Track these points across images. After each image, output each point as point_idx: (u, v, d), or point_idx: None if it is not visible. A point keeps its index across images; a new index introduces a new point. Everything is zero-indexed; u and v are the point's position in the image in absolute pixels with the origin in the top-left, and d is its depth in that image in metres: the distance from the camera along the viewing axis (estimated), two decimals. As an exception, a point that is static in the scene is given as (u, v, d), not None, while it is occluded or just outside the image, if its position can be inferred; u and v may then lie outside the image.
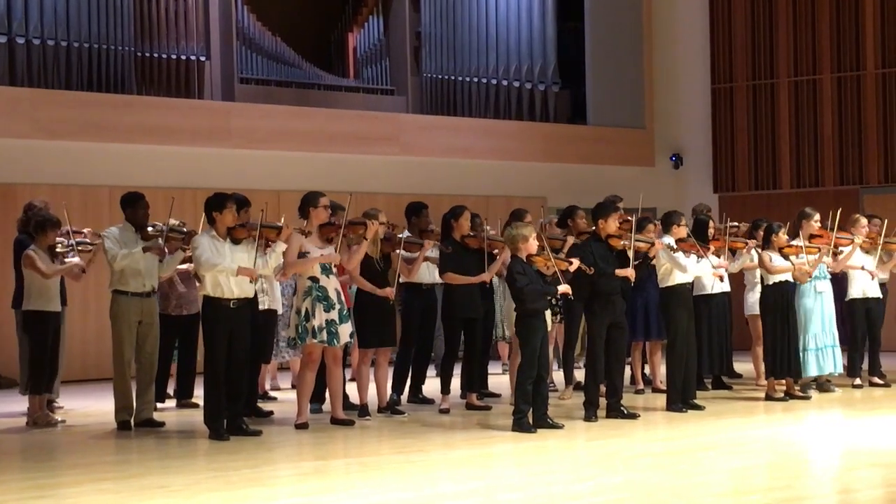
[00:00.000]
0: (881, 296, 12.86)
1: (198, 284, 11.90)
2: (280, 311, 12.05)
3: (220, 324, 9.84)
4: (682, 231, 11.25)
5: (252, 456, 9.10)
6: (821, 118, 18.26)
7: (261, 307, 11.17)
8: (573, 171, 18.21)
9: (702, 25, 19.17)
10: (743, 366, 13.76)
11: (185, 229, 11.01)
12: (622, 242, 10.60)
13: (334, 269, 10.37)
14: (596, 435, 9.97)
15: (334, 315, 10.23)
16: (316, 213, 10.34)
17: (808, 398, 11.83)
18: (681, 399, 11.05)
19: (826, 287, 12.17)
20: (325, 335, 10.20)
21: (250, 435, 9.89)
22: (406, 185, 16.52)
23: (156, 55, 16.00)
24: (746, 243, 12.18)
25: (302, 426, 10.29)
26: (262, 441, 9.80)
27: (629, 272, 10.54)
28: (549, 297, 10.25)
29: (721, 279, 11.80)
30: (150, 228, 10.69)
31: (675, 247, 11.03)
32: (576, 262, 10.28)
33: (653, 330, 12.36)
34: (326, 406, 10.91)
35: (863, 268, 12.64)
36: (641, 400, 12.01)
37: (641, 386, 12.63)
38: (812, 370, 12.05)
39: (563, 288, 10.08)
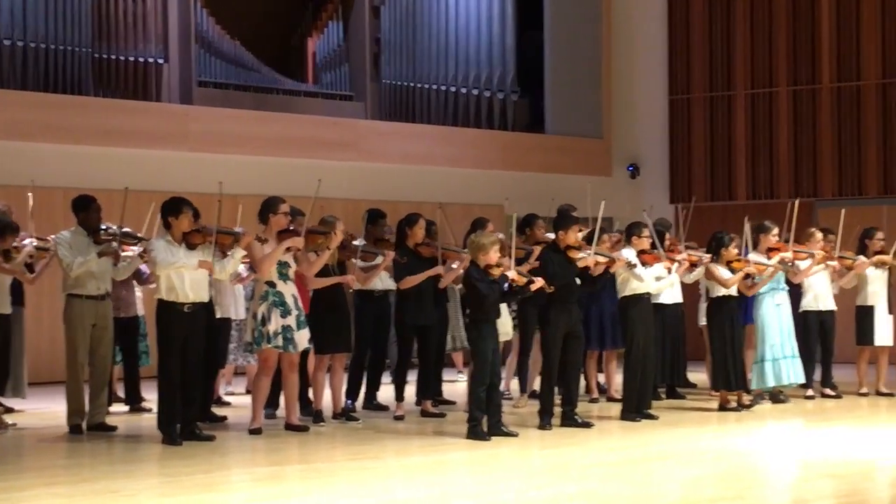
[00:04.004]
0: (834, 308, 12.98)
1: (140, 289, 11.84)
2: (239, 317, 11.99)
3: (174, 328, 9.79)
4: (644, 242, 11.30)
5: (205, 461, 9.06)
6: (776, 131, 18.41)
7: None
8: (531, 179, 18.25)
9: (660, 37, 19.28)
10: (698, 376, 13.83)
11: (138, 234, 10.93)
12: (580, 255, 10.64)
13: (292, 276, 10.34)
14: (550, 443, 10.00)
15: (291, 321, 10.21)
16: (276, 220, 10.31)
17: (755, 404, 11.91)
18: (635, 408, 11.10)
19: (784, 299, 12.26)
20: (280, 340, 10.17)
21: (204, 440, 9.84)
22: (364, 192, 16.51)
23: (113, 57, 15.89)
24: (701, 257, 12.24)
25: (256, 431, 10.25)
26: (215, 446, 9.76)
27: (589, 261, 10.57)
28: (500, 305, 10.23)
29: (669, 271, 11.79)
30: (101, 232, 10.59)
31: (634, 262, 11.07)
32: (539, 282, 10.23)
33: (607, 339, 12.42)
34: (281, 412, 10.87)
35: (826, 265, 12.70)
36: (596, 409, 12.05)
37: (596, 395, 12.68)
38: (770, 381, 12.14)
39: (512, 274, 10.04)
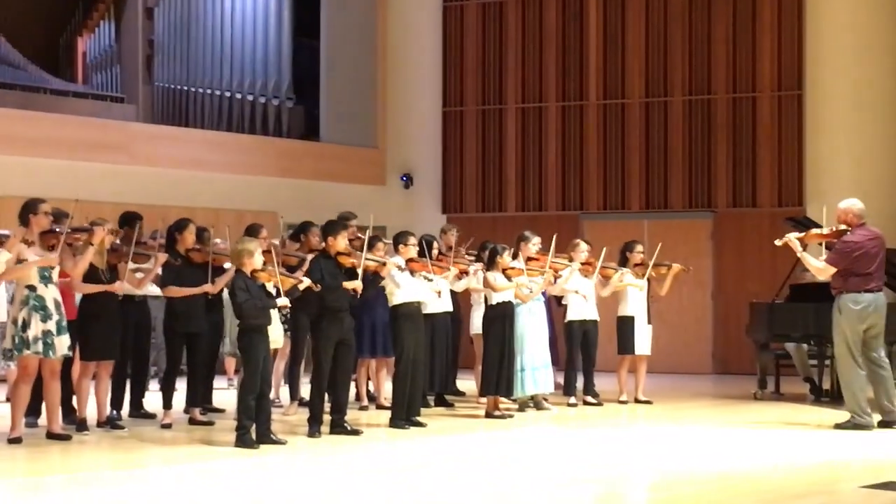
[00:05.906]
0: (597, 318, 13.40)
1: None
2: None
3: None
4: (410, 251, 11.45)
5: (-39, 471, 8.76)
6: (546, 145, 18.91)
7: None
8: (306, 186, 18.27)
9: (434, 49, 19.57)
10: (466, 384, 14.07)
11: None
12: (351, 260, 10.72)
13: (54, 279, 10.09)
14: (319, 451, 10.02)
15: (51, 326, 9.96)
16: (36, 220, 10.04)
17: (512, 414, 12.18)
18: (404, 416, 11.23)
19: (540, 309, 12.62)
20: (40, 346, 9.91)
21: (-40, 450, 9.52)
22: (134, 195, 16.20)
23: None
24: (470, 266, 12.48)
25: (15, 440, 9.96)
26: (-28, 456, 9.45)
27: (356, 284, 10.66)
28: (269, 311, 10.25)
29: (439, 294, 11.99)
30: None
31: (403, 267, 11.22)
32: (306, 281, 10.33)
33: (378, 347, 12.52)
34: (42, 420, 10.59)
35: (577, 291, 13.14)
36: (365, 416, 12.14)
37: (365, 402, 12.77)
38: (529, 388, 12.46)
39: (282, 301, 10.14)
